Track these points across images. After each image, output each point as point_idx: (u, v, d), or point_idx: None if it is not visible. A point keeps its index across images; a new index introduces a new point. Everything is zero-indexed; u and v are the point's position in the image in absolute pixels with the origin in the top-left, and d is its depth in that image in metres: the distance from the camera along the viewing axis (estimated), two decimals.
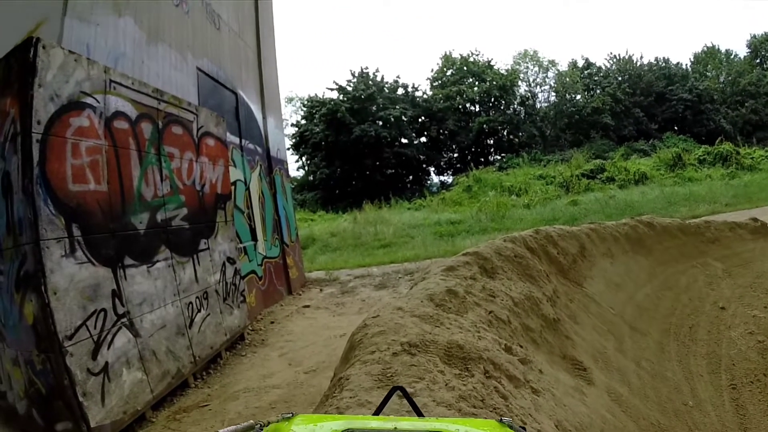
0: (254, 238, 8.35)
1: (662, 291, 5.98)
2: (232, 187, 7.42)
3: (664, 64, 36.45)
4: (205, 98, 6.85)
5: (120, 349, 3.95)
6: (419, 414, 1.18)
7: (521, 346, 2.59)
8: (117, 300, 4.00)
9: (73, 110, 3.72)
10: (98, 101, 3.97)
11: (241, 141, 8.28)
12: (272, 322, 7.40)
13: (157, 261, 4.59)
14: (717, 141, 23.23)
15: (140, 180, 4.46)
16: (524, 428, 0.97)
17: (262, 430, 0.92)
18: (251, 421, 0.96)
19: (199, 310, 5.18)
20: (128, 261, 4.19)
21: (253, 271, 8.01)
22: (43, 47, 3.45)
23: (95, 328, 3.72)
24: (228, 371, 5.39)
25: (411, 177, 34.54)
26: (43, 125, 3.41)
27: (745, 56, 37.24)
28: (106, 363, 3.77)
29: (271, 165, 9.93)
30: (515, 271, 3.72)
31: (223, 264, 5.97)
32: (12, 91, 3.43)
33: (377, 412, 1.23)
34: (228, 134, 7.36)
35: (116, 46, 4.78)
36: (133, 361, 4.07)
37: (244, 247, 7.70)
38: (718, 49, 38.20)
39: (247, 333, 6.58)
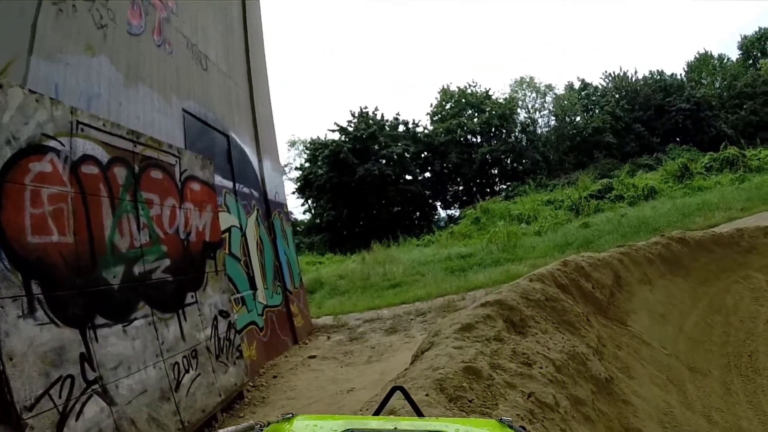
0: (253, 286, 7.85)
1: (710, 316, 5.31)
2: (226, 234, 7.01)
3: (659, 77, 36.41)
4: (193, 141, 6.56)
5: (91, 420, 3.43)
6: (419, 414, 1.17)
7: None
8: (86, 364, 3.51)
9: (34, 154, 3.37)
10: (63, 144, 3.63)
11: (234, 185, 7.94)
12: (275, 377, 6.79)
13: (135, 319, 4.10)
14: (721, 146, 22.78)
15: (113, 230, 4.05)
16: (524, 428, 0.96)
17: (262, 430, 0.93)
18: (251, 421, 0.96)
19: (187, 371, 4.63)
20: (99, 320, 3.72)
21: (253, 322, 7.46)
22: (0, 87, 3.16)
23: (60, 397, 3.23)
24: None
25: (418, 213, 34.17)
26: None
27: (737, 59, 37.08)
28: None
29: (269, 209, 9.55)
30: (550, 320, 3.05)
31: (215, 318, 5.45)
32: None
33: (377, 412, 1.23)
34: (220, 178, 7.03)
35: (89, 87, 4.50)
36: None
37: (242, 297, 7.20)
38: (711, 54, 38.28)
39: (246, 390, 5.98)
